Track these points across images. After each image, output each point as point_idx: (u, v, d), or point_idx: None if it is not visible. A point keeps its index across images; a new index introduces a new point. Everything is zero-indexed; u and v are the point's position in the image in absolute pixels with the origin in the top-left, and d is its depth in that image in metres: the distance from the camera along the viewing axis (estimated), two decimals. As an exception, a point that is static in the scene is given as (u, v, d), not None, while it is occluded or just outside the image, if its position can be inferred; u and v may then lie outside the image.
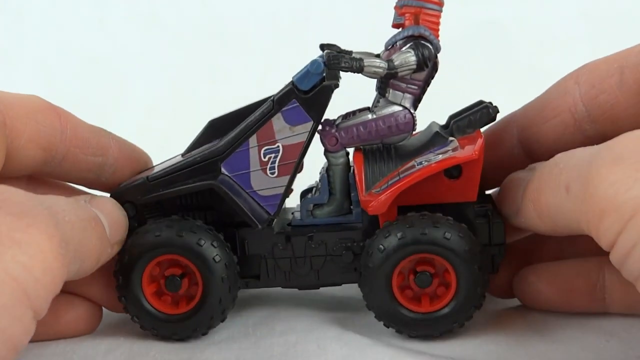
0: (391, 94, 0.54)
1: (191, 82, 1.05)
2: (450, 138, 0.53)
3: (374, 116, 0.54)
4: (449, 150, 0.52)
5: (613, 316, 0.54)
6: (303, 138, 0.53)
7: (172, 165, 0.55)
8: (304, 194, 0.58)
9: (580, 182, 0.42)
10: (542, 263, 0.57)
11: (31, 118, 0.52)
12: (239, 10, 1.10)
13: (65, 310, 0.56)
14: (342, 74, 0.54)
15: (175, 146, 0.97)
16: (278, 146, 0.53)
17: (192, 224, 0.53)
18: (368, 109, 0.55)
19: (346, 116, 0.55)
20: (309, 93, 0.53)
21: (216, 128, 0.56)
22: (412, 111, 0.54)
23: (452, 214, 0.52)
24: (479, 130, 0.53)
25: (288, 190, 0.55)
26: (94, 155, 0.56)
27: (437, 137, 0.54)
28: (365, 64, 0.52)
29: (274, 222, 0.55)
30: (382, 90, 0.54)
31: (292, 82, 0.53)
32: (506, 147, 0.57)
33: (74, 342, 0.55)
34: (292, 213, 0.58)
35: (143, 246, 0.53)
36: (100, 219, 0.49)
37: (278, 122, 0.53)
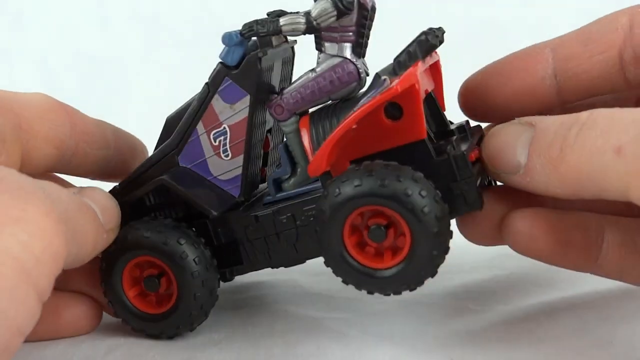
0: (327, 46, 0.51)
1: (191, 83, 1.05)
2: (383, 77, 0.49)
3: (314, 74, 0.52)
4: (381, 90, 0.48)
5: (617, 324, 0.53)
6: (245, 113, 0.52)
7: (137, 168, 0.55)
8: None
9: None
10: (539, 208, 0.52)
11: (45, 118, 0.53)
12: (239, 10, 1.10)
13: (66, 309, 0.56)
14: (303, 39, 0.53)
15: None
16: (224, 127, 0.53)
17: (158, 224, 0.53)
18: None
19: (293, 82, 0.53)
20: (237, 67, 0.52)
21: (172, 124, 0.56)
22: (352, 60, 0.51)
23: (405, 157, 0.49)
24: (418, 62, 0.49)
25: (248, 169, 0.54)
26: (100, 148, 0.56)
27: (375, 80, 0.51)
28: (282, 23, 0.50)
29: (243, 206, 0.54)
30: (318, 45, 0.52)
31: (219, 62, 0.52)
32: (538, 75, 0.53)
33: (74, 343, 0.55)
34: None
35: (116, 251, 0.53)
36: (91, 206, 0.49)
37: (218, 103, 0.53)
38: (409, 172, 0.47)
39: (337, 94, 0.52)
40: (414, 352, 0.51)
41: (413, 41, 0.50)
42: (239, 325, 0.57)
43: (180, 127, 0.54)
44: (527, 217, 0.52)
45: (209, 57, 1.06)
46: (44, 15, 1.09)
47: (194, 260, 0.53)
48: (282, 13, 0.52)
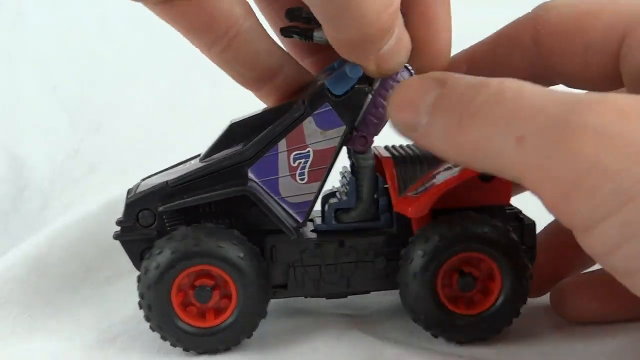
0: None
1: (191, 83, 1.05)
2: None
3: (373, 91, 0.51)
4: None
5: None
6: (334, 143, 0.51)
7: (194, 170, 0.52)
8: (326, 198, 0.56)
9: (545, 139, 0.36)
10: (578, 275, 0.55)
11: None
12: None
13: None
14: None
15: (175, 146, 0.97)
16: (308, 151, 0.51)
17: (224, 232, 0.51)
18: (365, 93, 0.51)
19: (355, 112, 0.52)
20: (341, 96, 0.51)
21: (237, 131, 0.53)
22: (406, 66, 0.50)
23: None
24: None
25: (317, 197, 0.53)
26: None
27: None
28: None
29: (302, 230, 0.53)
30: None
31: (324, 85, 0.51)
32: None
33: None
34: (312, 218, 0.56)
35: (173, 257, 0.50)
36: None
37: (309, 126, 0.51)
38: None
39: None
40: (419, 348, 0.51)
41: None
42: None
43: (261, 139, 0.51)
44: (569, 288, 0.54)
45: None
46: (44, 15, 1.09)
47: (256, 272, 0.51)
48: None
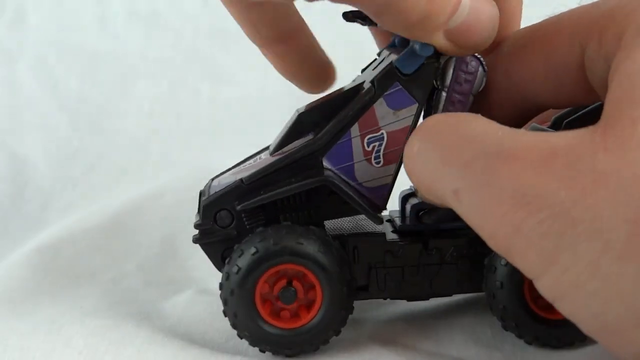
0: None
1: (191, 83, 1.05)
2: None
3: (446, 87, 0.49)
4: None
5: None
6: (408, 122, 0.49)
7: (267, 164, 0.50)
8: (406, 198, 0.54)
9: (475, 198, 0.37)
10: None
11: None
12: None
13: None
14: None
15: (175, 145, 0.97)
16: (382, 133, 0.50)
17: (303, 229, 0.49)
18: (437, 89, 0.50)
19: (428, 112, 0.51)
20: (410, 75, 0.49)
21: (306, 120, 0.51)
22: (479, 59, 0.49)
23: None
24: None
25: (395, 179, 0.51)
26: None
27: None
28: None
29: (384, 231, 0.52)
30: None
31: (393, 65, 0.48)
32: None
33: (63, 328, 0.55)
34: (391, 218, 0.54)
35: (255, 258, 0.48)
36: None
37: (381, 107, 0.49)
38: None
39: (474, 87, 0.49)
40: (425, 353, 0.51)
41: (585, 109, 0.50)
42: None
43: (332, 126, 0.49)
44: None
45: (209, 55, 1.07)
46: (44, 14, 1.09)
47: (339, 266, 0.49)
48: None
